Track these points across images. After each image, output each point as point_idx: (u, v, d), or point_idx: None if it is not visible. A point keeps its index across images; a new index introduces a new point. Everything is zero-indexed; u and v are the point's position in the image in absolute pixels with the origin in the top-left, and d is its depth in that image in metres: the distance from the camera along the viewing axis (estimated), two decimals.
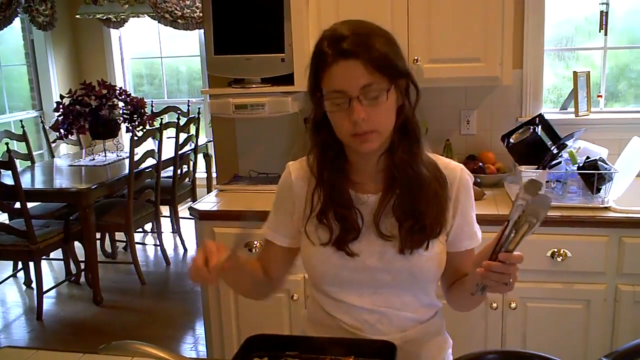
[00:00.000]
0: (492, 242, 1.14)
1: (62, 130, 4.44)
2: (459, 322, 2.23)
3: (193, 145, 5.21)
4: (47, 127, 5.08)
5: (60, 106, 4.43)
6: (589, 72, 2.86)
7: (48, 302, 4.24)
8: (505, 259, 1.07)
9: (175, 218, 5.14)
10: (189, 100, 6.04)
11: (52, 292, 4.38)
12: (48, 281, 4.51)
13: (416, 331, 1.31)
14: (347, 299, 1.28)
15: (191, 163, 5.29)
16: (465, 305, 1.38)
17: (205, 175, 5.56)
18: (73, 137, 4.92)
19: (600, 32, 2.82)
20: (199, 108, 5.63)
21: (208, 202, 2.65)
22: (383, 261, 1.25)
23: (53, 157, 5.22)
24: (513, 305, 2.31)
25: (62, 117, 4.42)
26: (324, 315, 1.33)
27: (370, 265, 1.25)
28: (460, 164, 1.34)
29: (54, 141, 5.13)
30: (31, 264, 4.17)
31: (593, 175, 2.31)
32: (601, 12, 2.77)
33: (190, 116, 5.36)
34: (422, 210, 1.22)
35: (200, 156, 5.49)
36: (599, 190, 2.33)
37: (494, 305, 2.32)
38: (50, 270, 4.89)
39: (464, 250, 1.33)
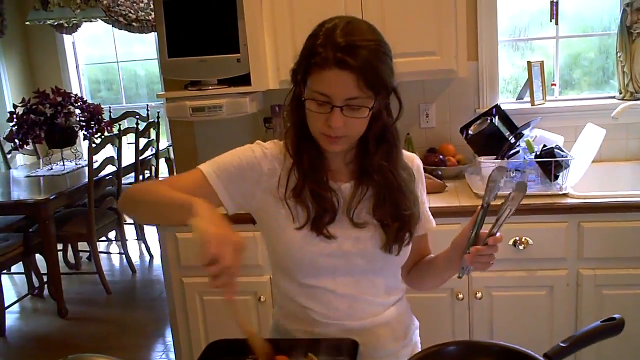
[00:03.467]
0: (467, 227, 1.23)
1: (16, 141, 4.33)
2: (427, 313, 2.23)
3: (154, 150, 5.14)
4: (2, 138, 4.95)
5: (14, 116, 4.32)
6: (542, 61, 2.90)
7: (11, 317, 4.13)
8: (494, 243, 1.18)
9: (139, 225, 5.06)
10: (147, 105, 5.96)
11: (15, 307, 4.27)
12: (10, 296, 4.40)
13: (385, 315, 1.33)
14: (320, 284, 1.28)
15: (153, 168, 5.22)
16: (431, 285, 1.44)
17: None
18: (29, 147, 4.81)
19: (551, 21, 2.86)
20: (158, 112, 5.56)
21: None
22: (358, 247, 1.26)
23: (9, 168, 5.09)
24: (479, 295, 2.33)
25: (16, 127, 4.31)
26: (293, 306, 1.32)
27: (346, 251, 1.26)
28: (412, 153, 1.40)
29: (9, 152, 5.00)
30: None
31: (550, 163, 2.35)
32: (551, 1, 2.82)
33: (150, 120, 5.29)
34: (407, 213, 1.26)
35: (162, 161, 5.42)
36: (556, 177, 2.37)
37: (460, 295, 2.34)
38: (12, 285, 4.77)
39: (423, 234, 1.41)
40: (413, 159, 1.36)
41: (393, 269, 1.35)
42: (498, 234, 1.18)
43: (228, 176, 1.26)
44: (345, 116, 1.15)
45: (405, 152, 1.35)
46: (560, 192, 2.31)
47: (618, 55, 2.80)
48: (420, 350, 1.41)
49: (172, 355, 3.36)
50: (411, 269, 1.43)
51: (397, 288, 1.38)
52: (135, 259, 5.06)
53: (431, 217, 1.41)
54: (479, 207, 1.21)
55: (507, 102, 2.95)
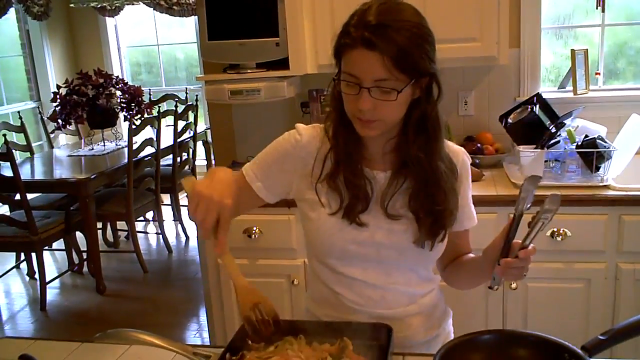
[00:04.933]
0: (499, 237, 1.20)
1: (60, 121, 4.43)
2: (460, 304, 2.22)
3: (192, 133, 5.20)
4: (45, 118, 5.07)
5: (58, 96, 4.42)
6: (586, 49, 2.84)
7: (51, 292, 4.26)
8: (525, 256, 1.14)
9: (176, 206, 5.15)
10: (186, 88, 6.02)
11: (56, 283, 4.40)
12: (51, 272, 4.53)
13: (417, 305, 1.33)
14: (351, 272, 1.28)
15: (190, 151, 5.29)
16: (465, 286, 1.45)
17: (205, 162, 5.55)
18: (71, 127, 4.92)
19: (597, 9, 2.79)
20: (197, 95, 5.61)
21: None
22: (391, 239, 1.25)
23: (52, 147, 5.21)
24: (514, 285, 2.31)
25: (59, 107, 4.41)
26: (326, 291, 1.33)
27: (377, 241, 1.25)
28: (461, 147, 1.36)
29: (53, 132, 5.12)
30: (33, 255, 4.19)
31: (592, 154, 2.30)
32: None
33: (188, 103, 5.34)
34: (441, 208, 1.24)
35: (199, 143, 5.48)
36: (598, 168, 2.32)
37: (491, 286, 2.31)
38: (53, 261, 4.91)
39: (463, 230, 1.37)
40: (459, 154, 1.32)
41: (425, 264, 1.33)
42: (530, 246, 1.14)
43: (266, 172, 1.31)
44: (375, 98, 1.13)
45: (452, 146, 1.32)
46: (601, 184, 2.27)
47: None
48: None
49: (205, 335, 3.42)
50: (447, 265, 1.41)
51: (429, 280, 1.36)
52: (172, 240, 5.15)
53: (474, 214, 1.37)
54: (511, 217, 1.18)
55: (548, 90, 2.89)
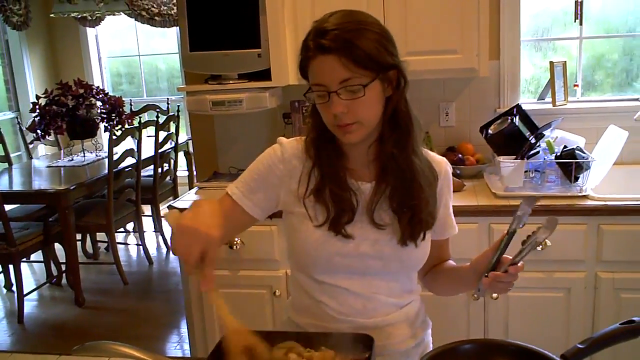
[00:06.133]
0: (489, 251, 1.22)
1: (39, 131, 4.38)
2: (442, 313, 2.23)
3: (173, 144, 5.18)
4: (24, 128, 5.01)
5: (37, 106, 4.38)
6: (565, 62, 2.88)
7: (29, 304, 4.19)
8: (515, 272, 1.16)
9: (157, 217, 5.11)
10: (168, 99, 5.99)
11: (34, 295, 4.33)
12: (29, 284, 4.46)
13: (398, 314, 1.33)
14: (335, 282, 1.29)
15: (172, 161, 5.26)
16: (448, 293, 1.47)
17: (186, 173, 5.52)
18: (51, 138, 4.87)
19: (575, 22, 2.83)
20: (179, 106, 5.59)
21: (188, 200, 2.62)
22: (375, 249, 1.26)
23: (31, 158, 5.16)
24: (495, 295, 2.32)
25: (38, 117, 4.37)
26: (308, 300, 1.33)
27: (362, 252, 1.26)
28: (443, 157, 1.37)
29: (32, 142, 5.07)
30: (11, 267, 4.12)
31: (571, 164, 2.33)
32: (576, 1, 2.79)
33: (170, 114, 5.32)
34: (417, 203, 1.25)
35: (181, 154, 5.45)
36: (577, 179, 2.35)
37: (475, 295, 2.32)
38: (31, 273, 4.84)
39: (444, 239, 1.40)
40: (441, 164, 1.34)
41: (408, 273, 1.35)
42: (520, 264, 1.17)
43: (252, 189, 1.31)
44: (345, 100, 1.14)
45: (434, 156, 1.34)
46: (580, 194, 2.29)
47: None
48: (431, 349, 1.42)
49: (186, 347, 3.38)
50: (428, 272, 1.43)
51: (411, 290, 1.38)
52: (153, 251, 5.11)
53: (455, 223, 1.40)
54: (504, 233, 1.20)
55: (528, 102, 2.92)
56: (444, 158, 1.37)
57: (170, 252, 5.05)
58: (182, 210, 1.22)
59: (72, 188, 3.92)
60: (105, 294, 4.40)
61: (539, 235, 1.14)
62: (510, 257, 1.19)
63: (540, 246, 1.16)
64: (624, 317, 1.08)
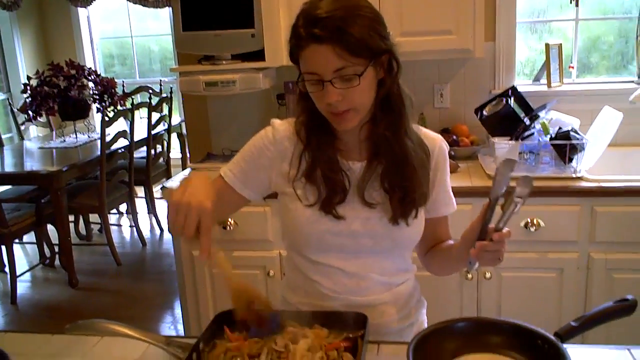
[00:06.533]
0: (476, 221, 1.20)
1: (30, 112, 4.34)
2: (435, 293, 2.24)
3: (166, 125, 5.14)
4: (15, 110, 4.97)
5: (28, 87, 4.33)
6: (560, 44, 2.86)
7: (23, 286, 4.19)
8: (499, 239, 1.13)
9: (150, 199, 5.09)
10: (161, 80, 5.94)
11: (27, 276, 4.33)
12: (22, 265, 4.46)
13: (392, 293, 1.34)
14: (327, 261, 1.29)
15: (165, 143, 5.23)
16: (445, 272, 1.46)
17: (180, 155, 5.49)
18: (42, 119, 4.82)
19: (571, 3, 2.82)
20: (172, 87, 5.55)
21: (180, 180, 2.60)
22: (367, 227, 1.26)
23: (22, 139, 5.12)
24: (488, 275, 2.33)
25: (30, 98, 4.32)
26: (302, 279, 1.33)
27: (354, 230, 1.26)
28: (438, 134, 1.36)
29: (23, 123, 5.02)
30: (3, 248, 4.11)
31: (565, 146, 2.32)
32: None
33: (163, 96, 5.28)
34: (409, 184, 1.24)
35: (174, 136, 5.42)
36: (571, 160, 2.35)
37: (469, 276, 2.34)
38: (24, 254, 4.82)
39: (441, 217, 1.38)
40: (436, 141, 1.33)
41: (401, 252, 1.34)
42: (505, 230, 1.14)
43: (245, 171, 1.31)
44: (340, 89, 1.13)
45: (429, 133, 1.33)
46: (574, 176, 2.29)
47: (638, 39, 2.76)
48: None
49: (180, 327, 3.40)
50: (427, 252, 1.42)
51: (405, 270, 1.37)
52: (146, 232, 5.10)
53: (453, 201, 1.38)
54: (487, 202, 1.18)
55: (523, 84, 2.91)
56: (439, 135, 1.35)
57: (164, 233, 5.05)
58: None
59: (64, 169, 3.89)
60: (99, 275, 4.40)
61: (516, 197, 1.12)
62: (494, 225, 1.16)
63: (518, 206, 1.12)
64: (615, 298, 1.09)
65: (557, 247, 2.29)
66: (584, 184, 2.25)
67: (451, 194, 1.38)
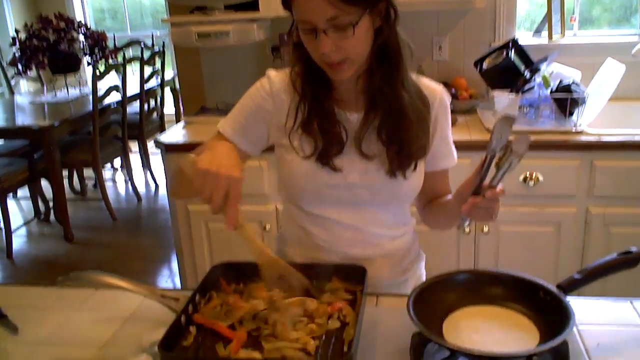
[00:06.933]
0: (472, 177, 1.17)
1: (20, 66, 4.25)
2: (433, 248, 2.22)
3: (159, 80, 5.06)
4: (5, 64, 4.87)
5: (17, 41, 4.23)
6: None
7: (19, 241, 4.18)
8: (492, 196, 1.11)
9: (144, 154, 5.05)
10: (152, 34, 5.82)
11: (22, 231, 4.32)
12: (17, 220, 4.44)
13: (390, 246, 1.32)
14: (324, 213, 1.27)
15: (158, 98, 5.15)
16: (442, 226, 1.42)
17: (173, 110, 5.42)
18: (32, 74, 4.73)
19: None
20: (164, 42, 5.43)
21: (174, 134, 2.57)
22: (364, 179, 1.23)
23: (13, 94, 5.03)
24: (485, 229, 2.32)
25: (19, 52, 4.23)
26: (299, 231, 1.31)
27: (351, 182, 1.23)
28: (440, 84, 1.31)
29: (13, 77, 4.93)
30: None
31: (566, 99, 2.28)
32: None
33: (155, 50, 5.17)
34: (406, 137, 1.20)
35: (167, 91, 5.34)
36: (571, 114, 2.31)
37: (467, 230, 2.33)
38: (19, 210, 4.80)
39: (440, 170, 1.34)
40: (436, 91, 1.28)
41: (399, 204, 1.32)
42: (499, 188, 1.11)
43: (243, 125, 1.27)
44: (334, 38, 1.09)
45: (430, 83, 1.28)
46: (574, 129, 2.26)
47: None
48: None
49: (177, 281, 3.40)
50: (425, 205, 1.39)
51: (404, 223, 1.35)
52: (141, 188, 5.07)
53: (454, 154, 1.34)
54: (483, 157, 1.15)
55: (523, 37, 2.85)
56: (440, 85, 1.30)
57: (160, 189, 5.02)
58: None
59: (56, 124, 3.83)
60: (94, 230, 4.39)
61: (511, 156, 1.08)
62: (488, 182, 1.14)
63: (514, 164, 1.09)
64: (613, 251, 1.06)
65: (556, 202, 2.28)
66: (584, 138, 2.22)
67: (452, 146, 1.34)
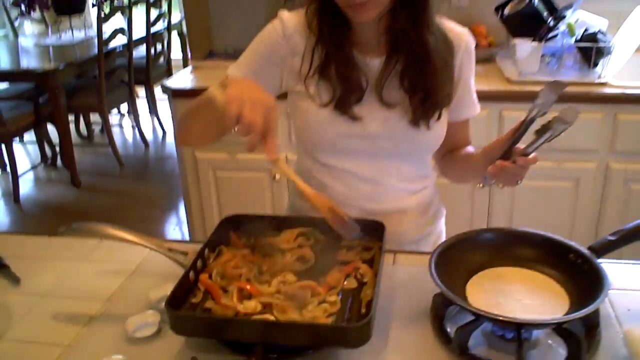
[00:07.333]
0: (504, 138, 1.11)
1: (23, 5, 4.13)
2: (446, 201, 2.17)
3: (166, 23, 4.92)
4: (8, 4, 4.74)
5: None
6: None
7: (26, 185, 4.16)
8: (523, 164, 1.05)
9: (151, 99, 4.96)
10: None
11: (29, 176, 4.29)
12: (24, 165, 4.41)
13: (410, 200, 1.26)
14: (342, 166, 1.20)
15: (165, 42, 5.03)
16: (461, 180, 1.37)
17: (181, 55, 5.30)
18: (36, 15, 4.61)
19: None
20: None
21: (182, 79, 2.48)
22: (385, 128, 1.15)
23: (17, 36, 4.91)
24: (501, 185, 2.25)
25: None
26: (314, 184, 1.22)
27: (372, 132, 1.15)
28: (465, 28, 1.22)
29: (17, 18, 4.80)
30: (3, 147, 4.04)
31: (591, 49, 2.18)
32: None
33: None
34: (431, 84, 1.13)
35: (174, 35, 5.21)
36: (596, 64, 2.21)
37: (481, 185, 2.25)
38: (26, 155, 4.76)
39: (462, 120, 1.27)
40: (462, 36, 1.19)
41: (421, 156, 1.24)
42: (532, 155, 1.05)
43: (254, 70, 1.18)
44: None
45: (455, 27, 1.20)
46: (598, 81, 2.17)
47: None
48: (444, 239, 1.36)
49: (185, 229, 3.37)
50: (444, 155, 1.32)
51: (425, 176, 1.28)
52: (148, 134, 5.01)
53: (476, 103, 1.27)
54: (521, 120, 1.08)
55: None
56: (465, 29, 1.22)
57: (167, 135, 4.96)
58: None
59: (61, 67, 3.75)
60: (102, 175, 4.35)
61: (554, 128, 1.01)
62: (522, 147, 1.07)
63: (556, 135, 1.02)
64: (632, 210, 1.01)
65: (575, 156, 2.20)
66: (608, 90, 2.13)
67: (474, 95, 1.27)
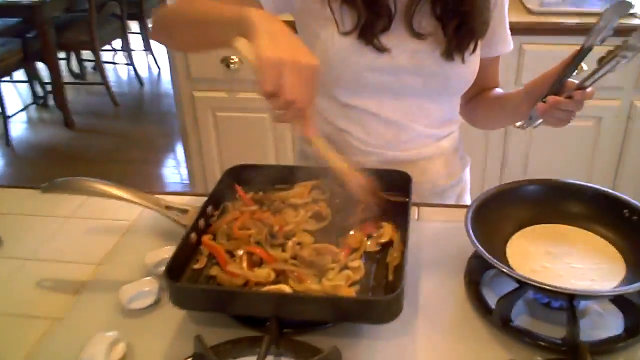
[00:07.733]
0: (555, 70, 0.98)
1: None
2: None
3: None
4: None
5: None
6: None
7: (17, 127, 4.02)
8: (580, 98, 0.93)
9: (145, 34, 4.76)
10: None
11: (21, 117, 4.14)
12: (16, 106, 4.25)
13: (435, 147, 1.13)
14: (362, 105, 1.06)
15: None
16: (493, 125, 1.27)
17: None
18: None
19: None
20: None
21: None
22: (414, 62, 1.02)
23: None
24: (518, 123, 2.12)
25: None
26: (328, 129, 1.11)
27: (399, 65, 1.01)
28: None
29: None
30: None
31: None
32: None
33: None
34: (467, 9, 0.99)
35: None
36: None
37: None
38: (18, 95, 4.59)
39: (494, 57, 1.14)
40: None
41: (451, 96, 1.12)
42: (590, 89, 0.93)
43: None
44: None
45: None
46: (629, 11, 2.00)
47: None
48: (469, 190, 1.25)
49: (184, 172, 3.26)
50: (471, 98, 1.19)
51: (451, 120, 1.15)
52: (143, 72, 4.83)
53: (509, 38, 1.13)
54: (576, 50, 0.94)
55: None
56: None
57: (162, 72, 4.78)
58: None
59: (48, 0, 3.54)
60: (96, 116, 4.21)
61: (624, 52, 0.86)
62: (576, 82, 0.95)
63: (620, 62, 0.88)
64: None
65: (598, 93, 2.03)
66: (636, 21, 1.97)
67: (508, 30, 1.13)
